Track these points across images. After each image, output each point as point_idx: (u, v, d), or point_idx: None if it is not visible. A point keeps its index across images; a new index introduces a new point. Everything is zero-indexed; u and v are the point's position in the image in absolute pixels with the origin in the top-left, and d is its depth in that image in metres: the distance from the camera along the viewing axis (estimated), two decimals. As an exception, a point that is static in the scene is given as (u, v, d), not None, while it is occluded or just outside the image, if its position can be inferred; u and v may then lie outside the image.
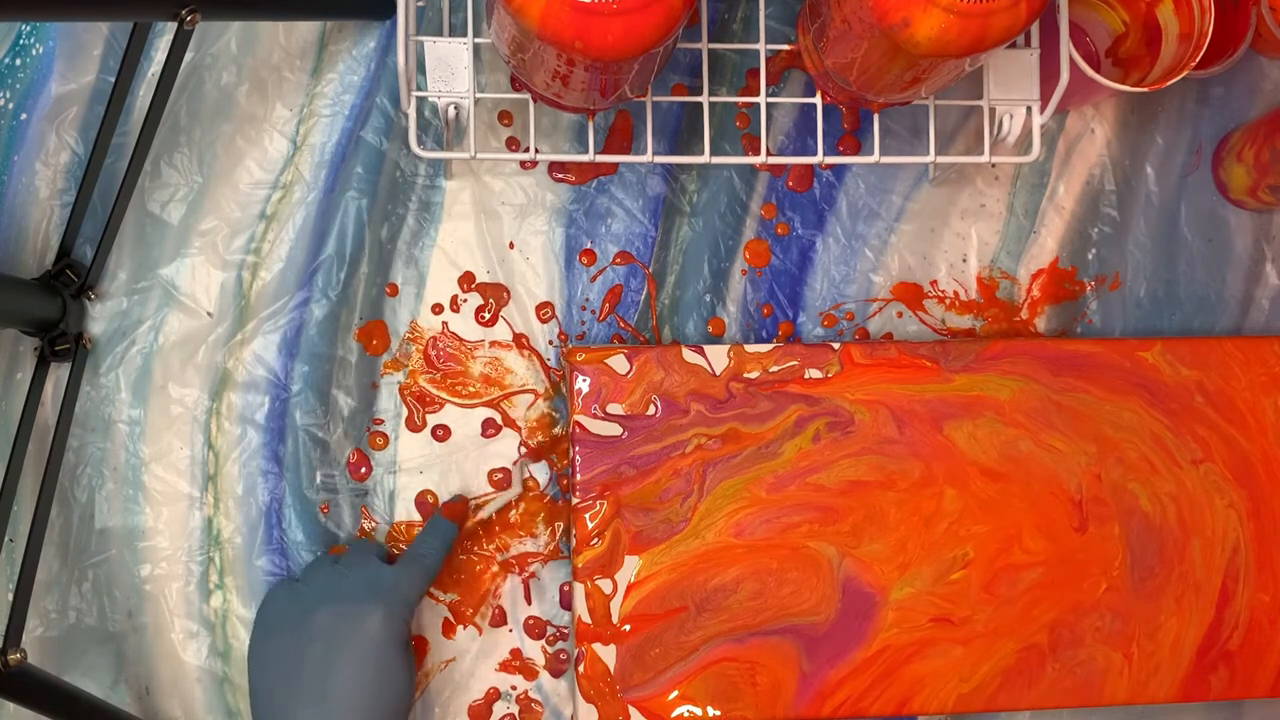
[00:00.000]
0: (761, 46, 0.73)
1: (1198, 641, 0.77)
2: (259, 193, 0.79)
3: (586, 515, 0.75)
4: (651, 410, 0.75)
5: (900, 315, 0.82)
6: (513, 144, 0.81)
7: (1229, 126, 0.85)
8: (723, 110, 0.81)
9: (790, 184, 0.82)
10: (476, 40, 0.69)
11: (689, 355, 0.76)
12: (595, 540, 0.74)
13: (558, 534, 0.79)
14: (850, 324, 0.82)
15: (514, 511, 0.79)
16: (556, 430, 0.79)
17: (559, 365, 0.80)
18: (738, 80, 0.82)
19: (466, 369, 0.79)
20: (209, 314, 0.79)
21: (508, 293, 0.80)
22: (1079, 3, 0.81)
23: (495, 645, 0.78)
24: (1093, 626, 0.76)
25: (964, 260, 0.83)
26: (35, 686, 0.68)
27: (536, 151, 0.71)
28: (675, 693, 0.74)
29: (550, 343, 0.80)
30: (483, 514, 0.78)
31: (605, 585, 0.74)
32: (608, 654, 0.74)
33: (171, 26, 0.66)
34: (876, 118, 0.73)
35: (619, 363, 0.76)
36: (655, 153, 0.72)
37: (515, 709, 0.78)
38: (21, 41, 0.79)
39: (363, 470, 0.78)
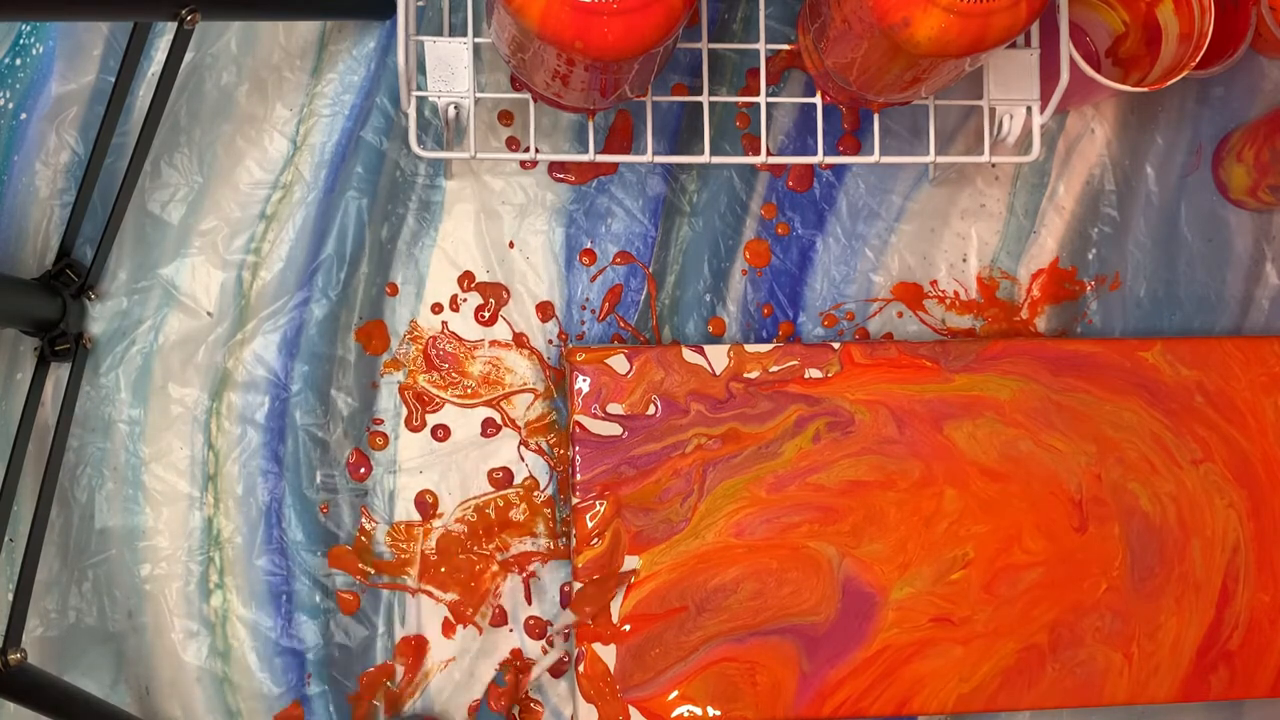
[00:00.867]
0: (761, 46, 0.72)
1: (1198, 641, 0.77)
2: (259, 193, 0.79)
3: (586, 515, 0.75)
4: (651, 410, 0.75)
5: (900, 315, 0.82)
6: (513, 144, 0.81)
7: (1229, 126, 0.85)
8: (723, 110, 0.81)
9: (790, 184, 0.82)
10: (476, 40, 0.69)
11: (689, 355, 0.76)
12: (595, 540, 0.74)
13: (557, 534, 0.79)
14: (850, 324, 0.82)
15: (514, 511, 0.79)
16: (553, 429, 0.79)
17: (559, 365, 0.80)
18: (738, 80, 0.82)
19: (466, 369, 0.79)
20: (209, 314, 0.79)
21: (507, 292, 0.80)
22: (1079, 3, 0.81)
23: (495, 645, 0.78)
24: (1093, 626, 0.76)
25: (964, 260, 0.83)
26: (35, 686, 0.68)
27: (536, 151, 0.71)
28: (675, 693, 0.74)
29: (550, 342, 0.80)
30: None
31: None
32: (608, 654, 0.74)
33: (171, 26, 0.66)
34: (876, 118, 0.73)
35: (619, 363, 0.76)
36: (655, 153, 0.72)
37: (515, 709, 0.78)
38: (21, 41, 0.79)
39: (362, 470, 0.78)
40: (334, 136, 0.80)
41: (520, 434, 0.79)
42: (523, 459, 0.79)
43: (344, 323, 0.79)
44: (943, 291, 0.83)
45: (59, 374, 0.77)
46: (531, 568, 0.78)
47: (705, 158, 0.71)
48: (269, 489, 0.78)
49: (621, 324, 0.81)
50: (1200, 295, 0.84)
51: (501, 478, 0.79)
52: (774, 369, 0.76)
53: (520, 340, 0.80)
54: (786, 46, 0.74)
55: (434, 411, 0.79)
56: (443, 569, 0.78)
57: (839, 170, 0.83)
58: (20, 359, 0.78)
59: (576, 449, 0.75)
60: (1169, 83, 0.73)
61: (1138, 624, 0.77)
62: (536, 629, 0.78)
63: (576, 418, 0.75)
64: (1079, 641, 0.76)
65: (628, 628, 0.74)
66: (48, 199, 0.78)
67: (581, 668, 0.74)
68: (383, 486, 0.79)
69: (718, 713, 0.74)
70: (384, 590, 0.78)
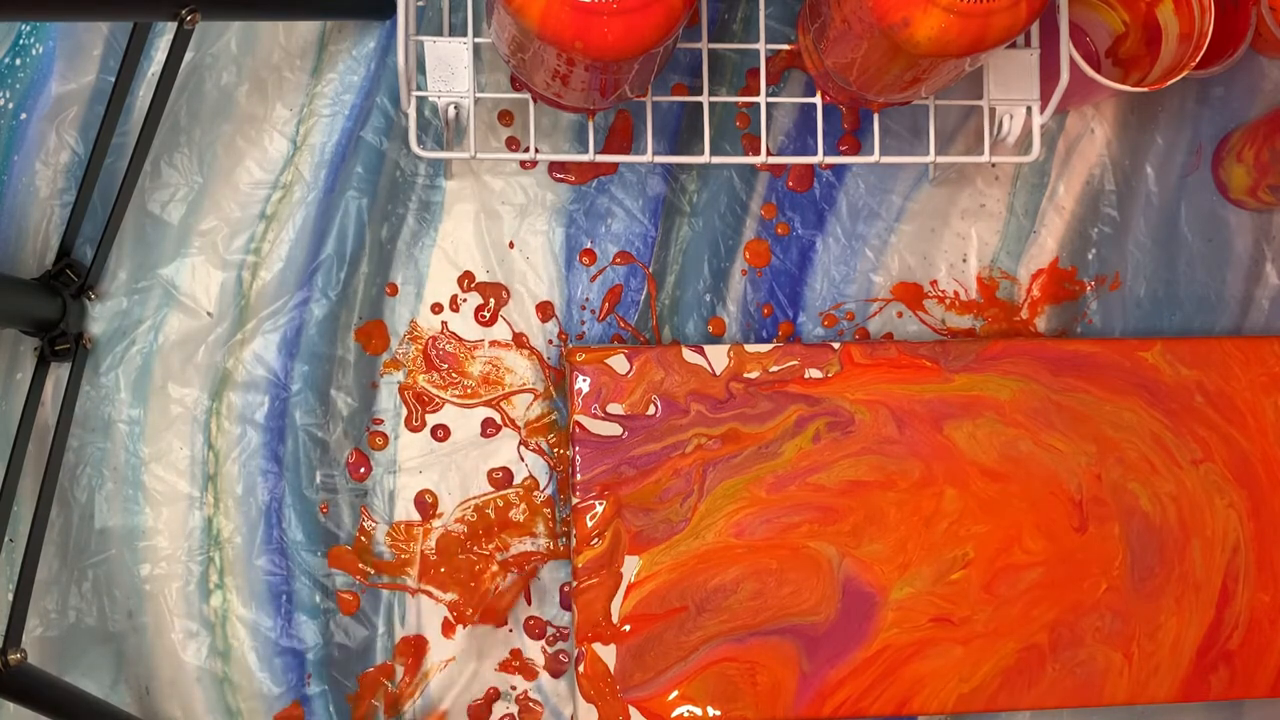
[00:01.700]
0: (761, 46, 0.72)
1: (1198, 641, 0.77)
2: (259, 193, 0.79)
3: (586, 515, 0.74)
4: (651, 410, 0.75)
5: (900, 315, 0.82)
6: (513, 144, 0.81)
7: (1229, 126, 0.85)
8: (723, 110, 0.81)
9: (790, 184, 0.82)
10: (476, 40, 0.69)
11: (689, 355, 0.76)
12: (595, 540, 0.74)
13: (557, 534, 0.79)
14: (850, 324, 0.82)
15: (514, 511, 0.79)
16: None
17: (559, 365, 0.80)
18: (738, 80, 0.82)
19: (466, 369, 0.79)
20: (209, 314, 0.79)
21: (507, 292, 0.80)
22: (1079, 3, 0.81)
23: (495, 645, 0.78)
24: (1093, 626, 0.76)
25: (964, 260, 0.83)
26: (35, 686, 0.68)
27: (536, 151, 0.71)
28: (675, 693, 0.74)
29: (550, 342, 0.80)
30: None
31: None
32: (608, 654, 0.74)
33: (171, 26, 0.66)
34: (876, 118, 0.73)
35: (619, 363, 0.76)
36: (655, 153, 0.72)
37: (515, 709, 0.78)
38: (21, 41, 0.79)
39: (362, 470, 0.78)
40: (334, 136, 0.80)
41: (520, 434, 0.79)
42: (522, 459, 0.79)
43: (344, 323, 0.79)
44: (943, 291, 0.83)
45: (59, 374, 0.77)
46: (531, 568, 0.78)
47: (705, 158, 0.71)
48: (269, 489, 0.78)
49: (621, 324, 0.81)
50: (1200, 295, 0.84)
51: (501, 478, 0.79)
52: (774, 369, 0.76)
53: (520, 340, 0.80)
54: (786, 46, 0.74)
55: (434, 411, 0.79)
56: (442, 569, 0.78)
57: (839, 170, 0.83)
58: (20, 359, 0.78)
59: (576, 449, 0.75)
60: (1169, 83, 0.73)
61: (1138, 624, 0.77)
62: (536, 629, 0.78)
63: (576, 418, 0.75)
64: (1079, 641, 0.76)
65: (628, 628, 0.74)
66: (48, 199, 0.78)
67: (581, 668, 0.74)
68: (382, 486, 0.79)
69: (718, 713, 0.74)
70: (384, 590, 0.78)
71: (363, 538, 0.78)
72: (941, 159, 0.74)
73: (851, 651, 0.75)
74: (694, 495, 0.75)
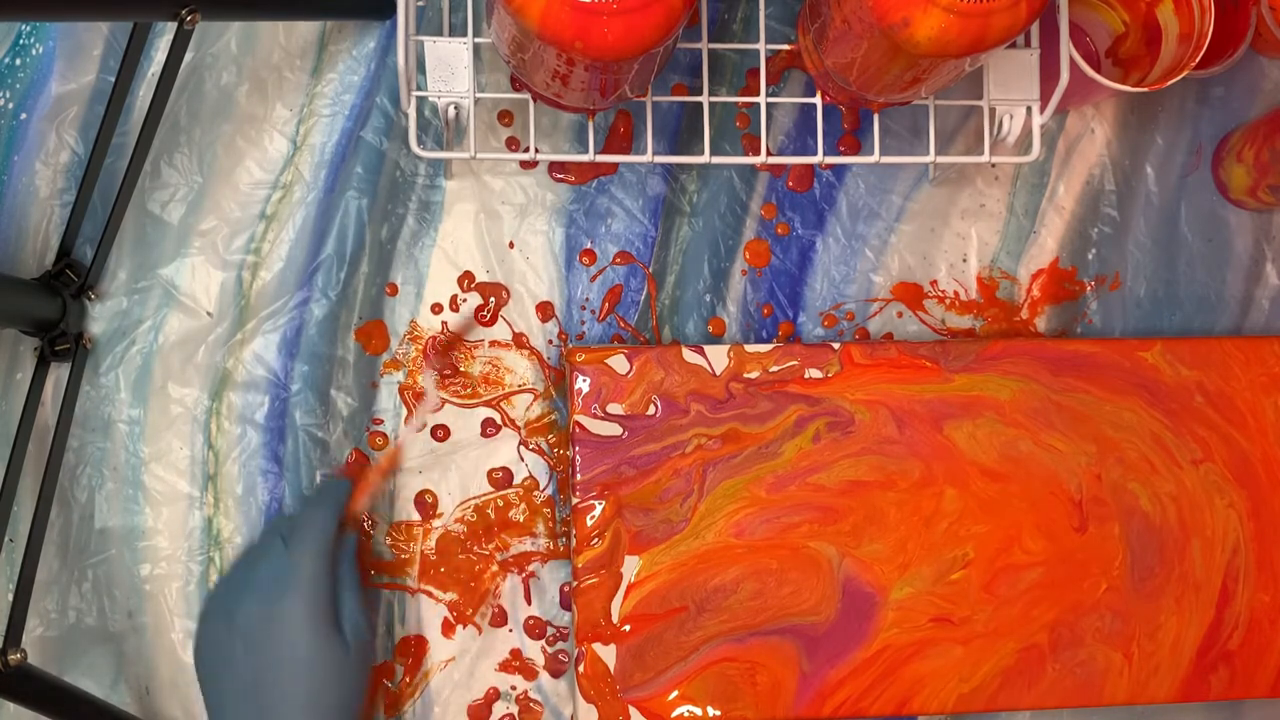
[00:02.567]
0: (761, 46, 0.73)
1: (1198, 641, 0.77)
2: (259, 193, 0.79)
3: (586, 515, 0.75)
4: (651, 410, 0.75)
5: (900, 315, 0.82)
6: (513, 144, 0.81)
7: (1229, 126, 0.85)
8: (723, 110, 0.81)
9: (790, 184, 0.82)
10: (476, 40, 0.69)
11: (689, 355, 0.76)
12: (595, 540, 0.74)
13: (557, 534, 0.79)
14: (850, 324, 0.82)
15: (514, 511, 0.79)
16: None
17: (559, 365, 0.80)
18: (738, 80, 0.82)
19: (466, 369, 0.79)
20: (209, 314, 0.79)
21: (507, 292, 0.80)
22: (1079, 3, 0.81)
23: (495, 645, 0.78)
24: (1093, 626, 0.76)
25: (964, 260, 0.83)
26: (35, 686, 0.68)
27: (536, 151, 0.71)
28: (675, 693, 0.74)
29: (550, 342, 0.80)
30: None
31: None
32: (608, 654, 0.74)
33: (171, 26, 0.66)
34: (876, 118, 0.73)
35: (619, 363, 0.76)
36: (655, 153, 0.72)
37: (515, 709, 0.78)
38: (21, 41, 0.79)
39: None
40: (334, 136, 0.80)
41: (520, 434, 0.79)
42: (522, 459, 0.79)
43: (344, 323, 0.79)
44: (943, 291, 0.83)
45: (59, 374, 0.77)
46: (531, 568, 0.78)
47: (705, 158, 0.71)
48: (269, 489, 0.78)
49: (621, 324, 0.81)
50: (1200, 295, 0.84)
51: (501, 478, 0.79)
52: (774, 369, 0.76)
53: (520, 340, 0.80)
54: (786, 46, 0.74)
55: (434, 412, 0.79)
56: (442, 569, 0.78)
57: (839, 170, 0.83)
58: (20, 359, 0.78)
59: (576, 449, 0.75)
60: (1169, 83, 0.73)
61: (1138, 624, 0.77)
62: (536, 629, 0.78)
63: (576, 418, 0.75)
64: (1079, 641, 0.76)
65: (628, 628, 0.74)
66: (48, 199, 0.78)
67: (581, 668, 0.74)
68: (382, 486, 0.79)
69: (718, 713, 0.74)
70: (383, 590, 0.78)
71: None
72: (941, 159, 0.74)
73: (851, 651, 0.75)
74: (694, 495, 0.75)
